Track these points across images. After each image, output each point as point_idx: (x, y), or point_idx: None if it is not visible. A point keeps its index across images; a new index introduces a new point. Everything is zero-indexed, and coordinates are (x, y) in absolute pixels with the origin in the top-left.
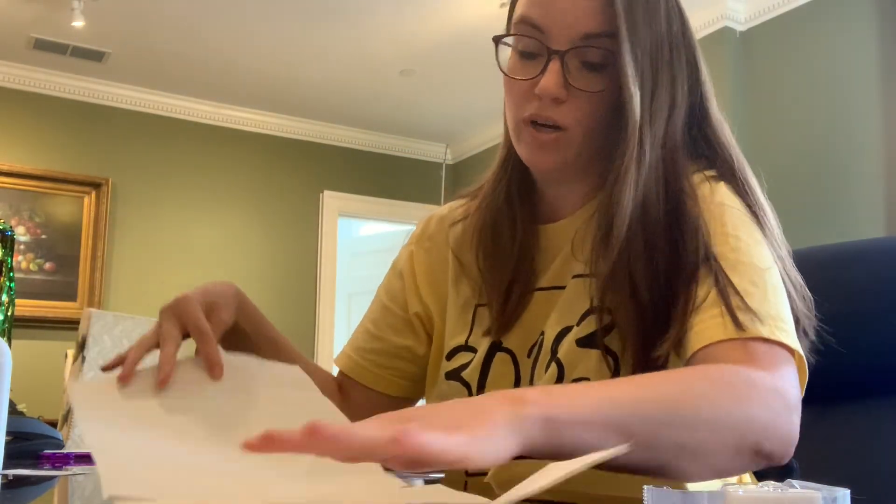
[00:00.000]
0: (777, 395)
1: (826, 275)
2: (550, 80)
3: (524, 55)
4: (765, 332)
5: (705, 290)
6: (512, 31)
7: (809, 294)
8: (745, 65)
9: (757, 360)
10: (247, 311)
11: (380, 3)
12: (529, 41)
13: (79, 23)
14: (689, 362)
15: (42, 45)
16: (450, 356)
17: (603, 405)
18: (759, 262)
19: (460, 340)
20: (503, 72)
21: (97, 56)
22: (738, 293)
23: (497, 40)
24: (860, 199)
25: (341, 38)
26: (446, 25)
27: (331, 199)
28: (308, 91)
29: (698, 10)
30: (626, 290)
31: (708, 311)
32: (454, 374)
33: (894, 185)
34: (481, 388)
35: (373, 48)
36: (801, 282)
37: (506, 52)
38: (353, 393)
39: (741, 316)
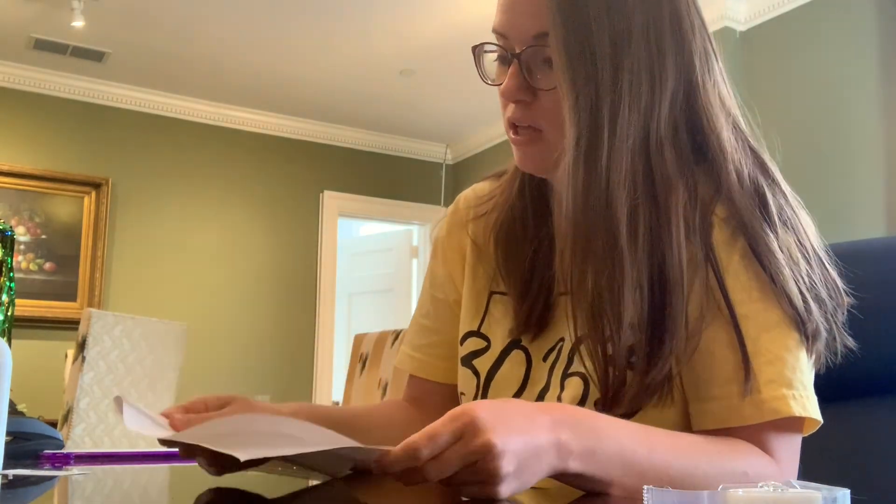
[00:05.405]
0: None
1: None
2: (508, 83)
3: (499, 61)
4: (796, 408)
5: (727, 353)
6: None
7: (841, 294)
8: (745, 65)
9: (775, 450)
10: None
11: (380, 2)
12: (499, 48)
13: (79, 23)
14: (711, 433)
15: (42, 45)
16: (462, 340)
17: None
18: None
19: (472, 326)
20: (482, 79)
21: (97, 56)
22: (769, 363)
23: (474, 50)
24: (860, 199)
25: (341, 37)
26: (446, 25)
27: (331, 199)
28: (308, 91)
29: None
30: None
31: (732, 385)
32: (466, 361)
33: (894, 185)
34: (489, 380)
35: (373, 48)
36: (835, 276)
37: (489, 59)
38: (424, 394)
39: (768, 394)
